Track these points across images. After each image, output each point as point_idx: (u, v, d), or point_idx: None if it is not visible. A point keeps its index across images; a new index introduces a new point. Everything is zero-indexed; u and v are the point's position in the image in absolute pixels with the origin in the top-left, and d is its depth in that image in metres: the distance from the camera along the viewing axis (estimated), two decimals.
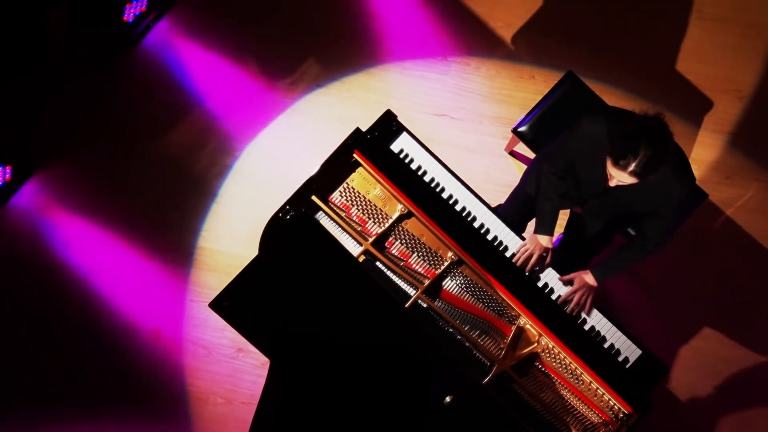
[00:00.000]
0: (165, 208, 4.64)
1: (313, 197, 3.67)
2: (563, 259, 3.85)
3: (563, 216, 3.88)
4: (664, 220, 3.48)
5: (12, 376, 4.49)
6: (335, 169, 3.72)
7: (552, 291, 3.70)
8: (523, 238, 3.75)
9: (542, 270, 3.72)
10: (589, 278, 3.65)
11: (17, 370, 4.50)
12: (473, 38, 4.71)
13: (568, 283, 3.70)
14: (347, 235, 3.67)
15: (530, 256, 3.67)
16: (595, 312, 3.69)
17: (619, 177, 3.11)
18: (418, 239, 3.70)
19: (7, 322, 4.54)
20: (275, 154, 4.66)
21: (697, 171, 4.37)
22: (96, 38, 4.74)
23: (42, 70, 4.73)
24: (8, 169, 4.57)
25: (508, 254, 3.72)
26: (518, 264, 3.67)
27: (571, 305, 3.64)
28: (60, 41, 4.70)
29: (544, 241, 3.67)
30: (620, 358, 3.63)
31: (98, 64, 4.76)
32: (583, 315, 3.67)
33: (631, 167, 3.03)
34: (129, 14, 4.66)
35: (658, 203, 3.41)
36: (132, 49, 4.77)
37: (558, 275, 3.73)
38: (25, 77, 4.72)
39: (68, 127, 4.72)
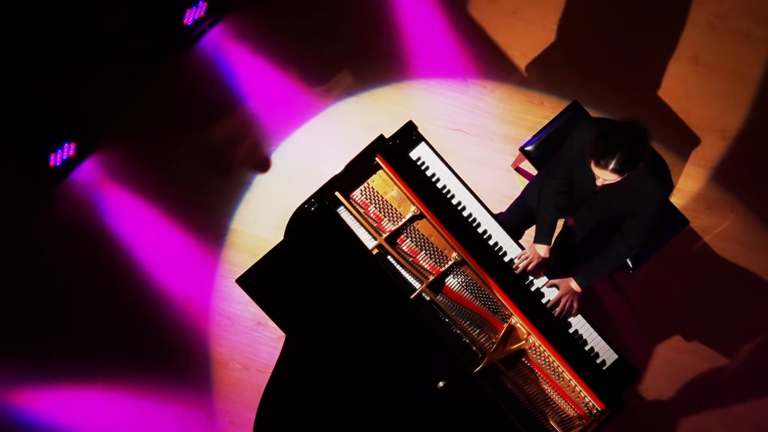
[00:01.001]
0: (204, 191, 4.66)
1: (337, 193, 3.68)
2: (555, 264, 3.83)
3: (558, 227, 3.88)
4: (641, 221, 3.44)
5: (62, 326, 4.53)
6: (358, 170, 3.73)
7: (542, 295, 3.70)
8: (520, 245, 3.74)
9: (538, 277, 3.71)
10: (573, 284, 3.64)
11: (66, 322, 4.54)
12: (491, 64, 4.70)
13: (554, 286, 3.69)
14: (364, 230, 3.67)
15: (529, 264, 3.66)
16: (579, 318, 3.68)
17: (602, 175, 3.12)
18: (427, 239, 3.70)
19: (63, 280, 4.58)
20: (306, 152, 4.67)
21: (680, 200, 4.45)
22: (158, 37, 4.76)
23: (108, 63, 4.77)
24: (72, 146, 4.60)
25: (506, 259, 3.71)
26: (518, 271, 3.67)
27: (558, 309, 3.63)
28: (115, 35, 4.72)
29: (542, 251, 3.66)
30: (598, 361, 3.63)
31: (159, 60, 4.78)
32: (570, 319, 3.66)
33: (611, 165, 3.03)
34: (189, 18, 4.68)
35: (638, 204, 3.39)
36: (189, 49, 4.79)
37: (547, 280, 3.72)
38: (94, 68, 4.77)
39: (128, 113, 4.75)
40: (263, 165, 4.67)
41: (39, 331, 4.53)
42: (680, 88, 4.64)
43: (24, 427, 4.42)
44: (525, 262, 3.66)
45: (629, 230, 3.50)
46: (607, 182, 3.16)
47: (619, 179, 3.11)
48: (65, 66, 4.76)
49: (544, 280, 3.72)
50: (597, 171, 3.11)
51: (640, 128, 3.05)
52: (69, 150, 4.60)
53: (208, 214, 4.63)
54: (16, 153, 4.65)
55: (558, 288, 3.68)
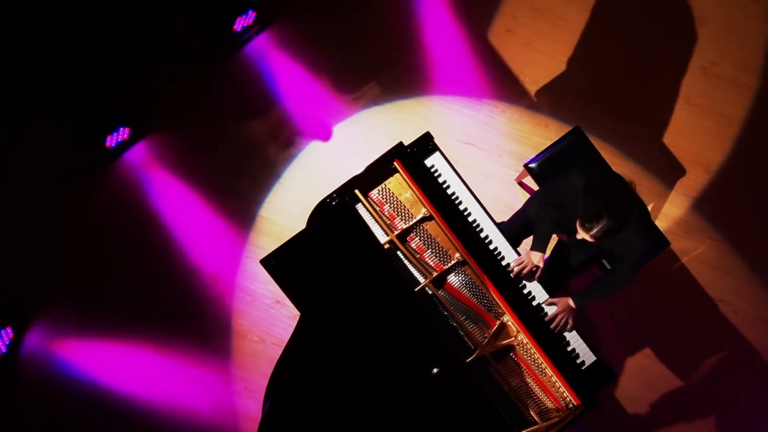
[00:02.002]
0: (239, 180, 4.67)
1: (356, 191, 3.68)
2: (547, 276, 3.83)
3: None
4: (629, 265, 3.49)
5: (103, 288, 4.58)
6: (377, 172, 3.74)
7: (534, 298, 3.69)
8: (517, 251, 3.74)
9: (530, 281, 3.70)
10: (570, 303, 3.63)
11: (108, 285, 4.58)
12: (504, 87, 4.69)
13: (553, 304, 3.67)
14: (378, 226, 3.68)
15: (523, 268, 3.64)
16: None
17: (582, 235, 3.12)
18: (434, 239, 3.69)
19: (108, 248, 4.62)
20: (331, 152, 4.67)
21: (664, 223, 4.45)
22: (211, 39, 4.78)
23: (166, 58, 4.82)
24: (127, 130, 4.64)
25: (503, 263, 3.70)
26: (513, 273, 3.66)
27: (554, 323, 3.61)
28: (178, 34, 4.75)
29: (536, 258, 3.65)
30: (578, 361, 3.62)
31: (210, 60, 4.79)
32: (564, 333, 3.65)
33: (593, 232, 3.04)
34: (238, 25, 4.70)
35: (623, 252, 3.43)
36: (236, 53, 4.80)
37: (546, 295, 3.70)
38: (154, 61, 4.81)
39: (178, 105, 4.77)
40: (292, 160, 4.68)
41: (83, 291, 4.58)
42: (672, 123, 4.62)
43: (64, 374, 4.47)
44: (520, 266, 3.65)
45: (621, 270, 3.54)
46: (585, 239, 3.15)
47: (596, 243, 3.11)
48: (129, 56, 4.79)
49: (538, 287, 3.71)
50: (579, 230, 3.11)
51: (627, 196, 3.05)
52: (123, 134, 4.64)
53: (240, 201, 4.65)
54: (78, 132, 4.67)
55: (557, 305, 3.66)
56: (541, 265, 3.67)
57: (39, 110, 4.75)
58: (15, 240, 4.64)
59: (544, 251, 3.66)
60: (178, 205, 4.65)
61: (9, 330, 4.45)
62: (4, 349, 4.43)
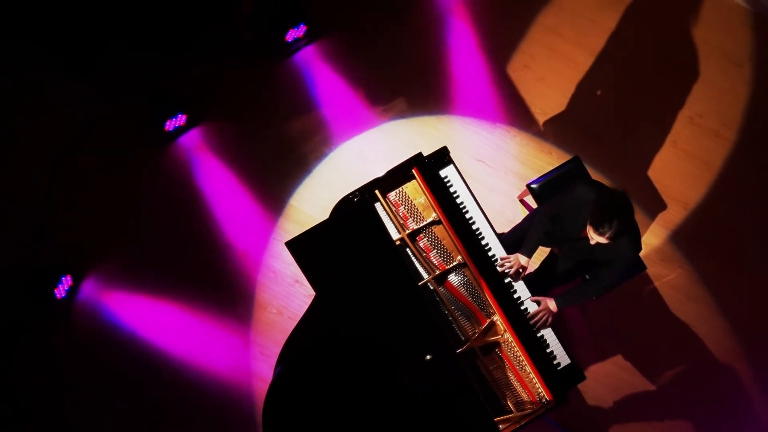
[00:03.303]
0: (274, 170, 4.67)
1: (376, 191, 3.68)
2: (535, 282, 3.81)
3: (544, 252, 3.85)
4: (614, 270, 3.49)
5: (149, 251, 4.60)
6: (397, 177, 3.73)
7: (522, 303, 3.66)
8: None
9: (516, 281, 3.68)
10: (552, 304, 3.61)
11: (153, 248, 4.60)
12: (517, 115, 4.67)
13: (536, 302, 3.65)
14: (392, 224, 3.68)
15: (510, 267, 3.64)
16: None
17: (597, 239, 3.14)
18: (440, 241, 3.68)
19: (157, 217, 4.64)
20: (358, 155, 4.66)
21: (643, 249, 4.35)
22: (263, 49, 4.79)
23: (226, 57, 4.83)
24: (184, 117, 4.65)
25: (499, 269, 3.67)
26: (501, 268, 3.64)
27: (534, 320, 3.60)
28: (244, 37, 4.77)
29: (523, 260, 3.63)
30: (555, 362, 3.59)
31: (263, 64, 4.79)
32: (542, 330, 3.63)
33: (608, 234, 3.07)
34: (290, 36, 4.71)
35: (613, 256, 3.41)
36: (285, 60, 4.81)
37: (530, 295, 3.68)
38: (215, 59, 4.82)
39: (230, 99, 4.78)
40: (323, 158, 4.67)
41: (134, 252, 4.60)
42: (659, 163, 4.59)
43: (109, 322, 4.50)
44: (508, 264, 3.64)
45: (605, 275, 3.54)
46: (600, 242, 3.18)
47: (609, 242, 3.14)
48: (194, 51, 4.82)
49: (526, 292, 3.68)
50: (593, 235, 3.15)
51: (628, 203, 3.10)
52: (181, 120, 4.65)
53: (274, 189, 4.64)
54: (141, 115, 4.70)
55: (539, 304, 3.64)
56: (527, 267, 3.65)
57: (112, 93, 4.77)
58: (85, 202, 4.66)
59: (530, 256, 3.64)
60: (220, 187, 4.66)
61: (69, 278, 4.51)
62: (64, 294, 4.48)
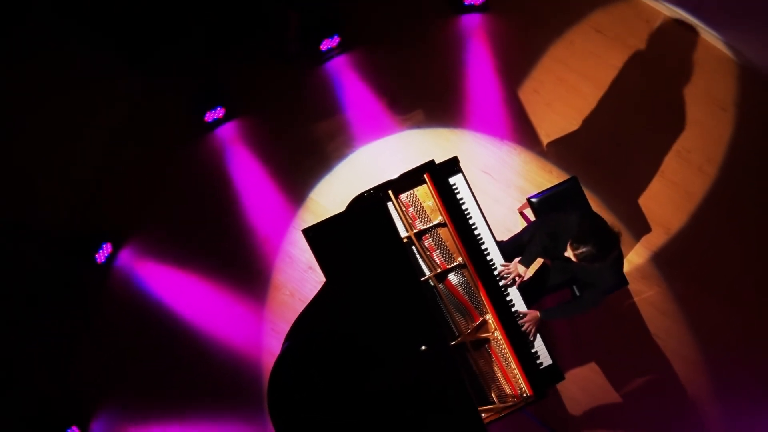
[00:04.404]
0: (299, 166, 4.65)
1: (390, 191, 3.65)
2: (527, 291, 3.75)
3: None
4: (596, 292, 3.44)
5: (183, 229, 4.60)
6: (409, 180, 3.70)
7: (513, 305, 3.61)
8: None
9: (511, 287, 3.63)
10: (539, 315, 3.57)
11: (187, 227, 4.60)
12: (524, 134, 4.63)
13: (525, 314, 3.61)
14: (401, 222, 3.65)
15: (508, 273, 3.60)
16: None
17: (570, 254, 3.11)
18: (444, 242, 3.64)
19: (192, 200, 4.63)
20: (376, 158, 4.63)
21: (626, 267, 4.39)
22: (298, 57, 4.76)
23: (266, 58, 4.80)
24: (222, 110, 4.63)
25: (495, 272, 3.64)
26: (499, 274, 3.60)
27: (523, 328, 3.55)
28: (289, 40, 4.75)
29: (521, 269, 3.59)
30: (538, 361, 3.56)
31: (296, 71, 4.76)
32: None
33: (577, 252, 3.05)
34: (324, 45, 4.68)
35: (595, 280, 3.39)
36: (317, 67, 4.78)
37: (524, 305, 3.63)
38: (256, 59, 4.79)
39: (264, 98, 4.75)
40: (344, 158, 4.64)
41: (168, 227, 4.60)
42: (648, 190, 4.56)
43: (140, 288, 4.51)
44: (506, 270, 3.60)
45: (588, 296, 3.49)
46: (570, 258, 3.14)
47: (576, 262, 3.11)
48: (240, 51, 4.80)
49: (519, 299, 3.62)
50: (569, 248, 3.11)
51: (613, 240, 3.06)
52: (219, 112, 4.64)
53: (296, 182, 4.62)
54: (185, 105, 4.70)
55: (527, 314, 3.59)
56: (524, 276, 3.60)
57: (163, 83, 4.77)
58: (129, 179, 4.67)
59: (528, 266, 3.60)
60: (249, 176, 4.64)
61: (109, 245, 4.52)
62: (103, 260, 4.51)
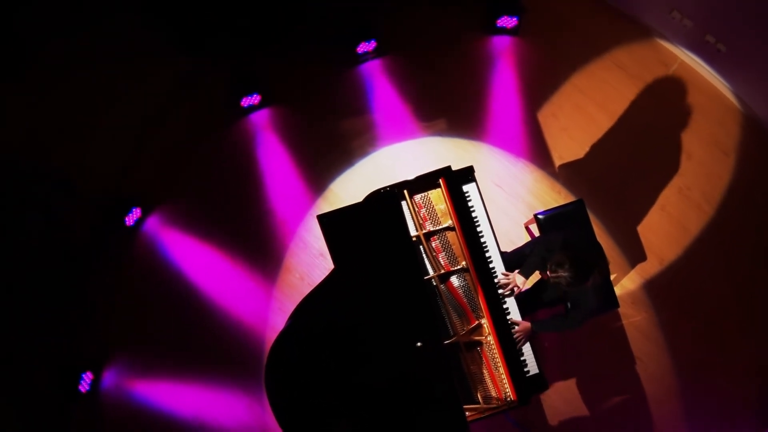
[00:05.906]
0: (323, 158, 4.62)
1: (405, 191, 3.60)
2: (524, 302, 3.70)
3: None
4: (581, 312, 3.36)
5: (208, 206, 4.59)
6: (425, 182, 3.65)
7: (509, 313, 3.54)
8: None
9: (509, 296, 3.57)
10: (529, 326, 3.51)
11: (213, 204, 4.59)
12: (538, 154, 4.58)
13: (516, 324, 3.54)
14: (412, 221, 3.61)
15: (507, 282, 3.54)
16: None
17: (546, 273, 3.09)
18: (450, 245, 3.59)
19: (221, 179, 4.61)
20: (396, 159, 4.59)
21: (619, 290, 4.38)
22: (336, 58, 4.72)
23: (300, 55, 4.77)
24: (258, 97, 4.61)
25: (495, 280, 3.58)
26: (499, 282, 3.54)
27: (513, 337, 3.48)
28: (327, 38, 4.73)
29: (519, 280, 3.54)
30: (525, 369, 3.49)
31: (331, 69, 4.72)
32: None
33: (551, 275, 3.03)
34: (360, 49, 4.65)
35: (580, 302, 3.32)
36: (352, 68, 4.75)
37: (519, 314, 3.57)
38: (291, 54, 4.76)
39: (300, 91, 4.73)
40: (366, 156, 4.60)
41: (192, 200, 4.59)
42: (647, 220, 4.49)
43: (163, 253, 4.51)
44: (506, 279, 3.54)
45: (575, 315, 3.40)
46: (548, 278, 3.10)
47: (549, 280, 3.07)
48: (281, 45, 4.78)
49: (514, 308, 3.56)
50: (547, 268, 3.07)
51: (589, 269, 3.00)
52: (255, 99, 4.62)
53: (318, 173, 4.60)
54: (221, 90, 4.69)
55: (519, 325, 3.53)
56: (522, 287, 3.55)
57: (205, 67, 4.76)
58: (163, 154, 4.66)
59: (527, 278, 3.54)
60: (275, 162, 4.62)
61: (138, 210, 4.54)
62: (132, 223, 4.51)
